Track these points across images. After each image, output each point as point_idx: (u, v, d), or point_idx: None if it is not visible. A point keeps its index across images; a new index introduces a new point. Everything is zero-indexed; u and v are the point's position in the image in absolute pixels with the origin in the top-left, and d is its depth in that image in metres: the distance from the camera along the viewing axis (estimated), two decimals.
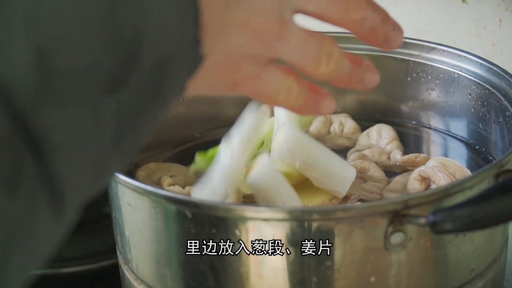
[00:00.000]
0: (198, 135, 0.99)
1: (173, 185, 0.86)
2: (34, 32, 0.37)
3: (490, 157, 0.89)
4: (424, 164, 0.85)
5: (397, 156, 0.89)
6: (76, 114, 0.39)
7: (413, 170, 0.85)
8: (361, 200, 0.82)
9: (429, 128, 0.96)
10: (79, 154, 0.40)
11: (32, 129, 0.37)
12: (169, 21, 0.43)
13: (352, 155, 0.90)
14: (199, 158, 0.84)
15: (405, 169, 0.88)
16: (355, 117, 0.99)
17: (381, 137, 0.93)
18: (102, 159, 0.41)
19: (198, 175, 0.83)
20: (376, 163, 0.88)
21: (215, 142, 0.83)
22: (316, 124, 0.97)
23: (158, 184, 0.87)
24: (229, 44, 0.49)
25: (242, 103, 0.82)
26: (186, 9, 0.44)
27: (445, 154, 0.94)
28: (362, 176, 0.86)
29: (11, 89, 0.36)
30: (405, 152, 0.90)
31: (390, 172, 0.88)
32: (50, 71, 0.38)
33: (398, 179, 0.85)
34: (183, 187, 0.85)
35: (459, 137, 0.93)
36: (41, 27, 0.38)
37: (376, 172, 0.86)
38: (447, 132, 0.95)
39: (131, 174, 0.88)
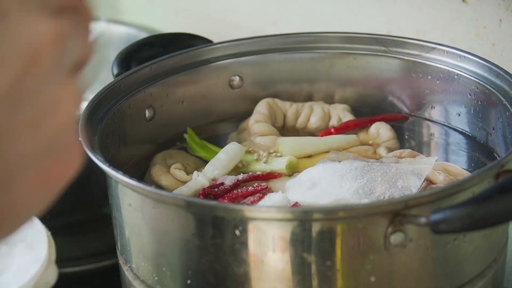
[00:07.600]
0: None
1: (179, 169, 0.88)
2: None
3: (493, 153, 0.89)
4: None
5: (383, 153, 0.89)
6: None
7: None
8: None
9: (429, 127, 0.96)
10: None
11: None
12: None
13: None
14: (190, 133, 0.93)
15: None
16: (354, 108, 0.99)
17: (379, 135, 0.93)
18: None
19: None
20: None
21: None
22: (315, 120, 0.97)
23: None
24: None
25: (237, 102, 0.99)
26: None
27: (445, 153, 0.94)
28: None
29: None
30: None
31: None
32: None
33: None
34: (188, 174, 0.87)
35: (458, 135, 0.93)
36: None
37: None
38: (446, 131, 0.95)
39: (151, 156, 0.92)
